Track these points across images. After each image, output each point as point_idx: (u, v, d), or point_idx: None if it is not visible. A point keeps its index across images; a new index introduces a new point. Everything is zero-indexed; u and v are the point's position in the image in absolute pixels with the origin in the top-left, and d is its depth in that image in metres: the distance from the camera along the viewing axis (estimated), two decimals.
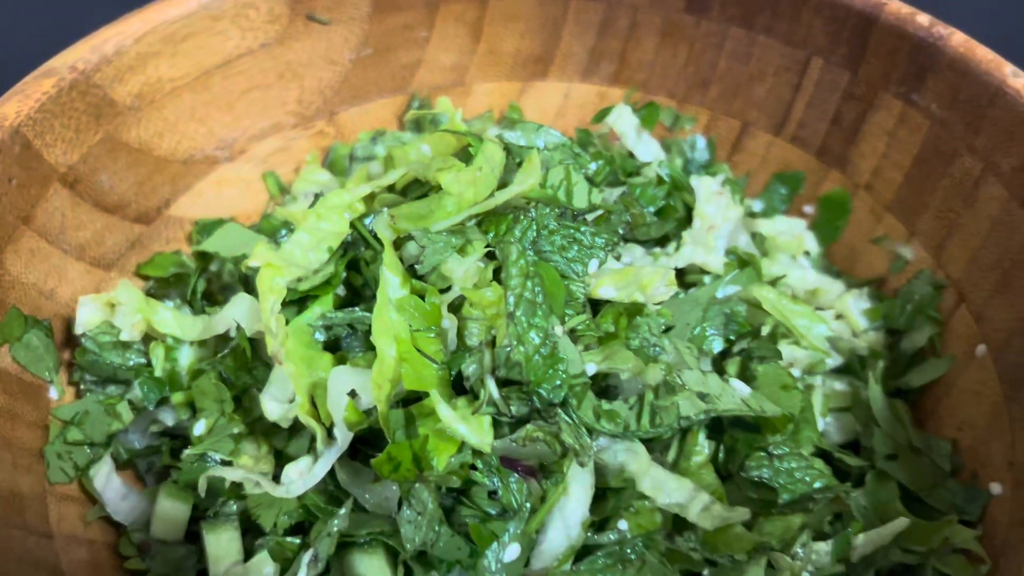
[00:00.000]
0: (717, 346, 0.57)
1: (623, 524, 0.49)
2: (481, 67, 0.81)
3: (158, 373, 0.58)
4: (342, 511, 0.50)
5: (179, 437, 0.59)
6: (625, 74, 0.80)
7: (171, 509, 0.53)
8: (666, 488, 0.48)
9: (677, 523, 0.51)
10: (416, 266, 0.54)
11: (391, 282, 0.53)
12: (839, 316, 0.65)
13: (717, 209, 0.63)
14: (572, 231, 0.54)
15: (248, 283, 0.61)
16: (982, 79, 0.61)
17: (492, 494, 0.50)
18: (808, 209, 0.74)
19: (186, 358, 0.59)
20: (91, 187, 0.63)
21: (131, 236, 0.67)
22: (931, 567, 0.51)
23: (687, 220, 0.64)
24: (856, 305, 0.65)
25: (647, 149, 0.71)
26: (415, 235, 0.54)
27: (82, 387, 0.59)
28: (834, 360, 0.63)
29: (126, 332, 0.58)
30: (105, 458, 0.56)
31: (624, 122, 0.71)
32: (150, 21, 0.65)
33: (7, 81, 0.61)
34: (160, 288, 0.66)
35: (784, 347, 0.60)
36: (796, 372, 0.60)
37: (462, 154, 0.61)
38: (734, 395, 0.51)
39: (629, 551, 0.47)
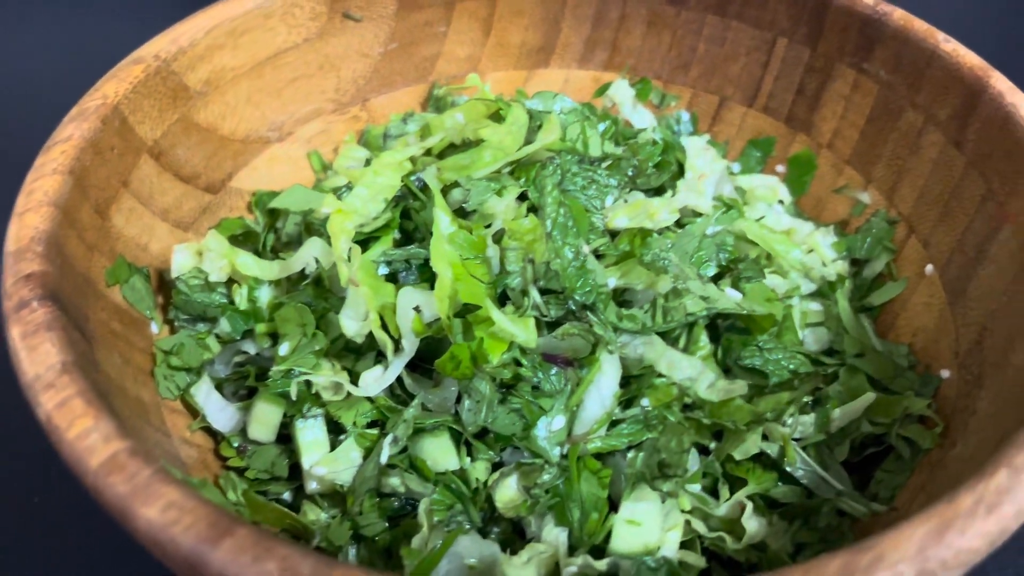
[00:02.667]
0: (711, 271, 0.68)
1: (645, 401, 0.60)
2: (492, 58, 0.92)
3: (242, 308, 0.68)
4: (413, 403, 0.60)
5: (260, 364, 0.69)
6: (617, 60, 0.92)
7: (267, 412, 0.63)
8: (679, 366, 0.59)
9: (686, 408, 0.62)
10: (464, 205, 0.65)
11: (443, 220, 0.64)
12: (810, 251, 0.76)
13: (705, 162, 0.75)
14: (591, 173, 0.65)
15: (316, 233, 0.71)
16: (920, 45, 0.73)
17: (535, 388, 0.61)
18: (780, 168, 0.86)
19: (265, 296, 0.69)
20: (171, 159, 0.74)
21: (202, 203, 0.77)
22: (895, 433, 0.63)
23: (680, 173, 0.76)
24: (824, 240, 0.77)
25: (642, 117, 0.83)
26: (460, 181, 0.66)
27: (176, 324, 0.69)
28: (807, 286, 0.75)
29: (214, 274, 0.68)
30: (204, 377, 0.66)
31: (622, 94, 0.83)
32: (216, 17, 0.76)
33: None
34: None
35: (769, 276, 0.72)
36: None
37: (492, 119, 0.72)
38: (729, 299, 0.63)
39: (652, 419, 0.58)
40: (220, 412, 0.65)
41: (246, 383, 0.68)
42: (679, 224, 0.72)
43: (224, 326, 0.68)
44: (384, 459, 0.59)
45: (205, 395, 0.65)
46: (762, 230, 0.71)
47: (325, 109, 0.87)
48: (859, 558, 0.40)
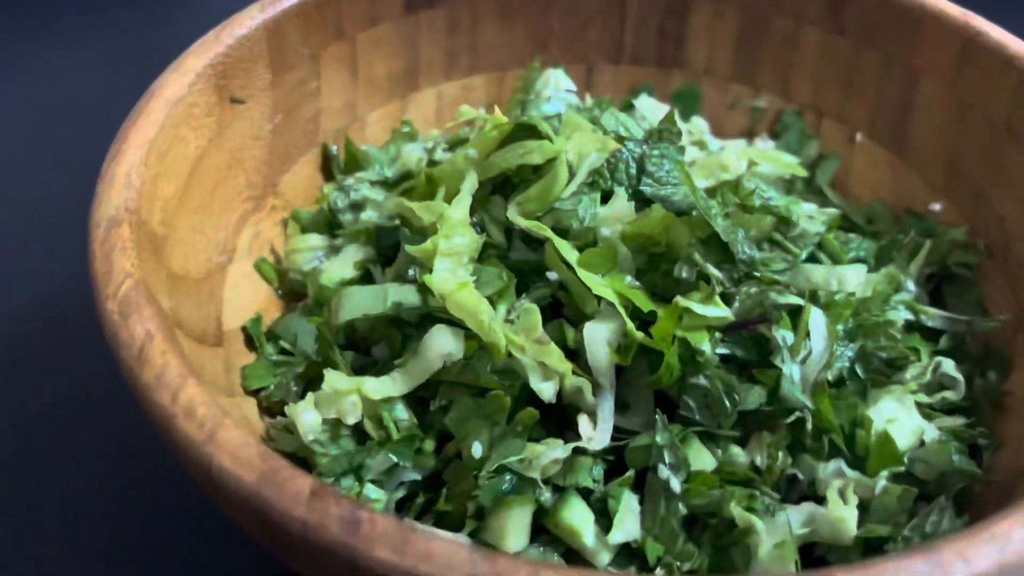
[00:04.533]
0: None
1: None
2: (366, 97, 0.86)
3: (397, 438, 0.58)
4: (659, 430, 0.58)
5: (426, 489, 0.60)
6: (479, 62, 0.91)
7: (518, 518, 0.55)
8: (845, 277, 0.63)
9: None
10: (560, 226, 0.62)
11: (565, 247, 0.60)
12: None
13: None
14: (658, 151, 0.66)
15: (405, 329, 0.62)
16: None
17: (724, 360, 0.61)
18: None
19: (402, 414, 0.60)
20: (184, 326, 0.59)
21: (222, 361, 0.63)
22: (952, 263, 0.75)
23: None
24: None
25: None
26: (553, 207, 0.62)
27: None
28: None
29: (351, 417, 0.57)
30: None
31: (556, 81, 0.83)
32: (144, 142, 0.61)
33: None
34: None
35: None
36: None
37: (504, 141, 0.68)
38: (807, 213, 0.69)
39: (851, 331, 0.63)
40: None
41: (434, 508, 0.59)
42: None
43: (382, 464, 0.58)
44: (677, 488, 0.56)
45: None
46: (757, 152, 0.77)
47: (248, 210, 0.74)
48: None
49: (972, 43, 0.74)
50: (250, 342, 0.69)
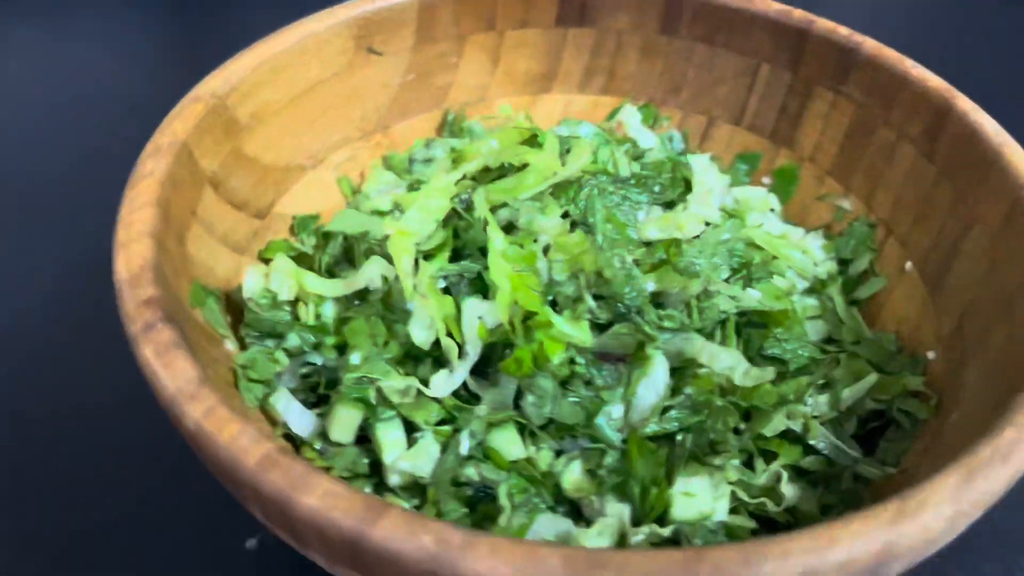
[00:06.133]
0: (724, 274, 0.78)
1: (689, 390, 0.68)
2: (500, 85, 1.00)
3: (310, 324, 0.74)
4: (485, 401, 0.68)
5: (326, 376, 0.75)
6: (613, 85, 1.01)
7: (347, 416, 0.69)
8: (719, 357, 0.68)
9: (722, 393, 0.71)
10: (513, 223, 0.72)
11: (497, 238, 0.71)
12: (803, 252, 0.86)
13: (710, 177, 0.84)
14: (624, 191, 0.74)
15: (368, 255, 0.78)
16: (891, 71, 0.84)
17: (587, 383, 0.69)
18: (766, 180, 0.96)
19: (330, 312, 0.75)
20: (227, 189, 0.80)
21: (252, 228, 0.83)
22: (896, 408, 0.73)
23: (687, 188, 0.85)
24: (815, 243, 0.87)
25: (647, 138, 0.92)
26: (509, 202, 0.73)
27: (247, 341, 0.75)
28: (802, 284, 0.85)
29: (283, 294, 0.75)
30: (282, 388, 0.72)
31: (630, 117, 0.92)
32: (260, 55, 0.82)
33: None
34: None
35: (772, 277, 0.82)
36: None
37: (525, 144, 0.80)
38: (751, 297, 0.72)
39: (698, 405, 0.67)
40: (300, 418, 0.71)
41: (317, 392, 0.74)
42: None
43: (293, 341, 0.74)
44: (465, 451, 0.66)
45: (285, 404, 0.71)
46: (767, 236, 0.80)
47: (352, 137, 0.94)
48: (908, 503, 0.49)
49: (1019, 203, 0.71)
50: (293, 232, 0.88)
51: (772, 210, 0.92)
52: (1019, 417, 0.54)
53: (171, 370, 0.56)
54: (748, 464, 0.69)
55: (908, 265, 0.83)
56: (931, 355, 0.76)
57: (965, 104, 0.79)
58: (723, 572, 0.45)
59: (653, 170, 0.78)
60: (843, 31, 0.88)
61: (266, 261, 0.84)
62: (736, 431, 0.71)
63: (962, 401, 0.69)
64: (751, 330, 0.74)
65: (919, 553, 0.49)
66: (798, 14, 0.90)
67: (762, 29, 0.92)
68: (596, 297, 0.69)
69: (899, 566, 0.49)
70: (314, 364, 0.75)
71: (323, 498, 0.49)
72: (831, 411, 0.71)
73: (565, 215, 0.74)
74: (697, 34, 0.96)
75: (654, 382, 0.66)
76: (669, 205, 0.84)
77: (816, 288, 0.84)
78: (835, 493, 0.68)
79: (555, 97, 1.02)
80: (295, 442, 0.72)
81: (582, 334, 0.67)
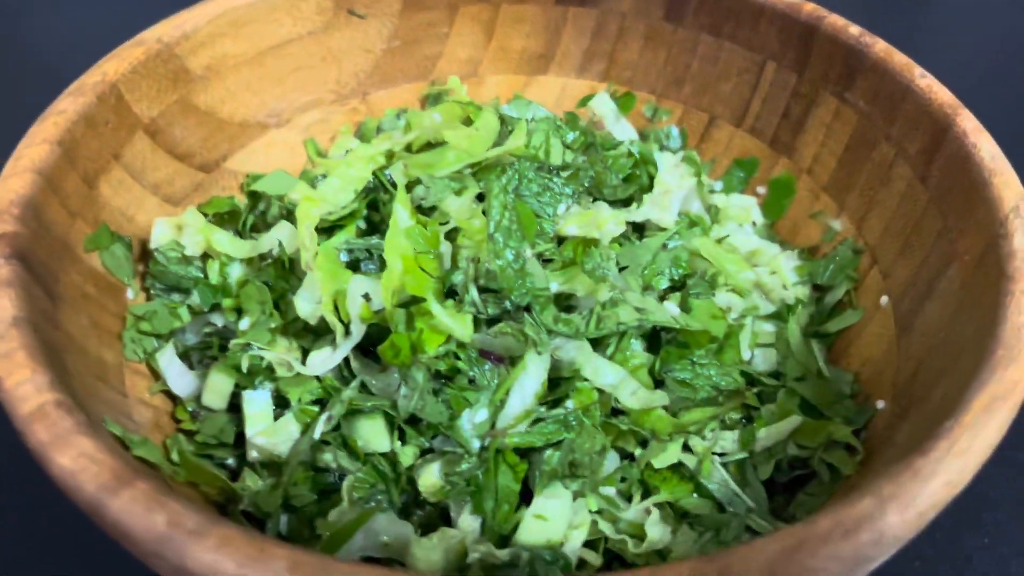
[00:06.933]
0: (663, 283, 0.70)
1: (570, 403, 0.62)
2: (492, 61, 0.95)
3: (213, 283, 0.72)
4: (352, 384, 0.64)
5: (226, 336, 0.73)
6: (613, 72, 0.94)
7: (220, 381, 0.67)
8: (602, 372, 0.61)
9: (616, 413, 0.64)
10: (422, 202, 0.68)
11: (401, 214, 0.67)
12: (773, 272, 0.77)
13: (673, 178, 0.76)
14: (546, 180, 0.68)
15: (290, 218, 0.75)
16: (897, 79, 0.74)
17: (471, 382, 0.63)
18: (761, 190, 0.87)
19: (236, 273, 0.73)
20: (167, 138, 0.78)
21: (195, 181, 0.81)
22: (818, 458, 0.64)
23: (649, 187, 0.78)
24: (787, 263, 0.78)
25: (623, 130, 0.85)
26: (423, 179, 0.69)
27: (152, 292, 0.73)
28: (766, 307, 0.76)
29: (190, 249, 0.73)
30: (170, 344, 0.70)
31: (604, 106, 0.85)
32: (220, 6, 0.80)
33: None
34: (216, 224, 0.80)
35: (724, 294, 0.73)
36: (733, 315, 0.73)
37: (466, 121, 0.75)
38: (666, 312, 0.65)
39: (572, 420, 0.60)
40: (179, 377, 0.69)
41: (210, 353, 0.72)
42: (641, 236, 0.74)
43: (196, 298, 0.72)
44: (317, 435, 0.62)
45: (167, 361, 0.69)
46: (717, 249, 0.72)
47: (325, 99, 0.91)
48: (707, 567, 0.42)
49: (993, 245, 0.60)
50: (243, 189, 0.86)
51: (753, 223, 0.83)
52: (887, 486, 0.46)
53: None
54: (630, 496, 0.62)
55: (884, 299, 0.73)
56: (880, 404, 0.66)
57: (966, 123, 0.68)
58: None
59: (592, 162, 0.71)
60: (854, 30, 0.78)
61: (206, 216, 0.82)
62: (630, 457, 0.64)
63: (886, 460, 0.59)
64: (672, 348, 0.67)
65: None
66: (808, 8, 0.81)
67: (770, 22, 0.83)
68: (488, 291, 0.63)
69: None
70: (216, 325, 0.73)
71: (76, 459, 0.46)
72: (741, 450, 0.63)
73: (482, 199, 0.68)
74: (703, 23, 0.87)
75: (524, 388, 0.60)
76: (626, 203, 0.77)
77: (781, 313, 0.75)
78: (721, 543, 0.60)
79: (551, 79, 0.96)
80: (175, 401, 0.70)
81: (463, 328, 0.61)
